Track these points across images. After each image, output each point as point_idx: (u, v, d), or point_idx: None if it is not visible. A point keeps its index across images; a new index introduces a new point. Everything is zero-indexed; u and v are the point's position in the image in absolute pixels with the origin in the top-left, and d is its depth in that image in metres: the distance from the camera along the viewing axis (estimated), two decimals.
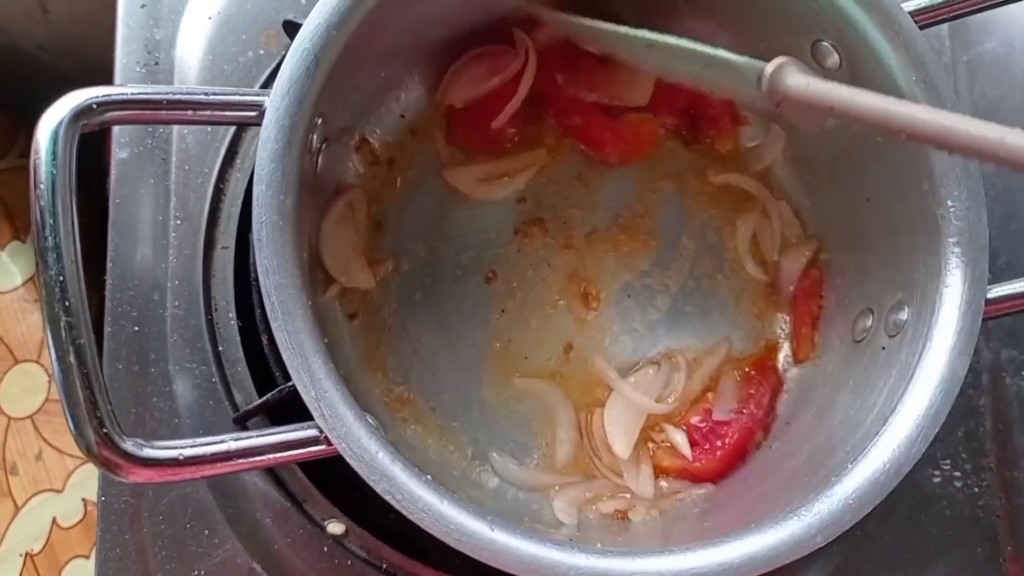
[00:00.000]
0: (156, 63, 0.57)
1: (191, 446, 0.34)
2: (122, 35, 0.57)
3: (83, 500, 0.80)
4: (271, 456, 0.36)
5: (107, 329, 0.55)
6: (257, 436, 0.36)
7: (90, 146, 0.58)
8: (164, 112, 0.36)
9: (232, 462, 0.35)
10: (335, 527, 0.54)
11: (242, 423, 0.54)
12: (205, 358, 0.55)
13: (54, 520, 0.79)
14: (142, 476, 0.33)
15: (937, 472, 0.58)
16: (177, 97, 0.36)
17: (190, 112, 0.36)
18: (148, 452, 0.33)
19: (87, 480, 0.78)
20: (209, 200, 0.56)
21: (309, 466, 0.55)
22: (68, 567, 0.78)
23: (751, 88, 0.42)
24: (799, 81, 0.40)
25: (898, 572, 0.56)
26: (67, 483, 0.80)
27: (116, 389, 0.55)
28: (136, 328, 0.55)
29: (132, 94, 0.35)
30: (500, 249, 0.55)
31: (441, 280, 0.54)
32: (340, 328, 0.52)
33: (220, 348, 0.55)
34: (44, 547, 0.77)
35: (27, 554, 0.76)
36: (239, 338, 0.55)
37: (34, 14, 0.88)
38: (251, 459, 0.35)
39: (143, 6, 0.57)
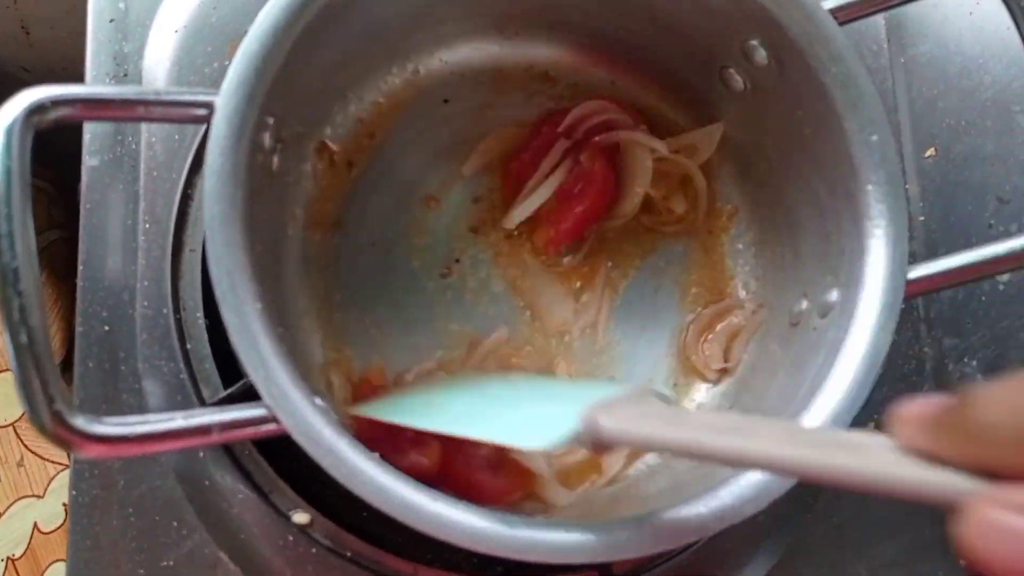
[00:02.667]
0: (125, 74, 0.60)
1: (141, 423, 0.36)
2: (92, 49, 0.60)
3: (64, 505, 0.81)
4: (221, 434, 0.38)
5: (79, 329, 0.57)
6: (207, 414, 0.38)
7: (73, 163, 0.61)
8: (115, 110, 0.38)
9: (183, 438, 0.37)
10: (300, 517, 0.56)
11: None
12: (173, 355, 0.57)
13: (35, 525, 0.81)
14: (94, 451, 0.35)
15: None
16: (127, 96, 0.38)
17: (140, 110, 0.39)
18: (98, 428, 0.35)
19: (67, 485, 0.80)
20: (177, 205, 0.58)
21: (275, 458, 0.56)
22: (49, 571, 0.79)
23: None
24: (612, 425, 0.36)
25: (847, 553, 0.58)
26: (48, 488, 0.82)
27: (88, 387, 0.57)
28: (107, 328, 0.57)
29: (84, 93, 0.37)
30: (456, 246, 0.57)
31: (399, 277, 0.56)
32: (300, 323, 0.54)
33: (188, 346, 0.57)
34: (25, 551, 0.79)
35: (9, 559, 0.78)
36: (207, 336, 0.57)
37: (17, 36, 0.91)
38: (201, 436, 0.37)
39: (111, 20, 0.60)
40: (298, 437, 0.39)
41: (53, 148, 0.71)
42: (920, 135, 0.63)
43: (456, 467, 0.50)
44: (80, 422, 0.35)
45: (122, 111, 0.39)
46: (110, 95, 0.38)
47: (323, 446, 0.39)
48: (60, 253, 0.93)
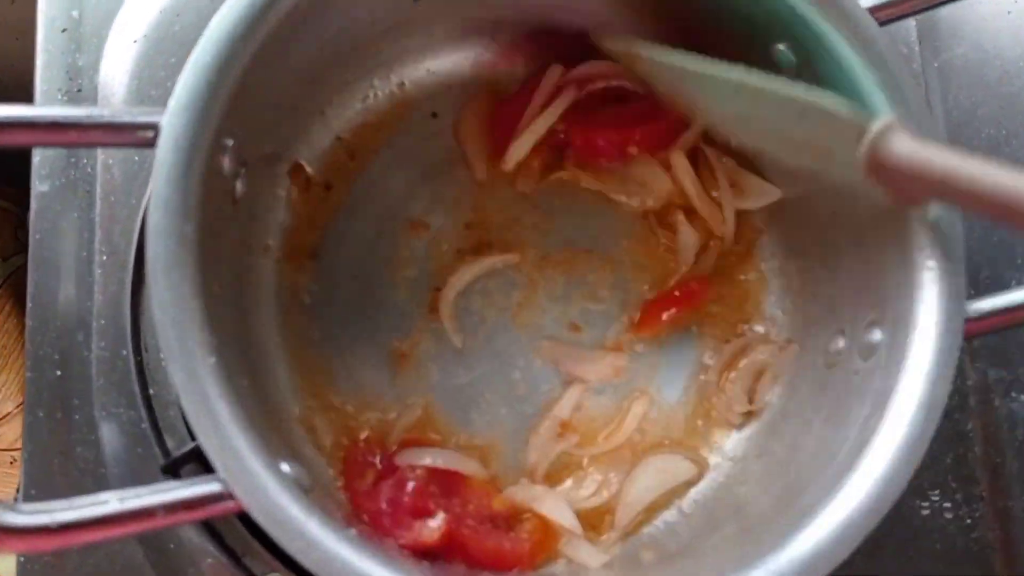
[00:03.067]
0: (79, 90, 0.54)
1: (67, 509, 0.30)
2: (42, 61, 0.54)
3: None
4: (167, 516, 0.32)
5: (27, 374, 0.52)
6: (149, 494, 0.32)
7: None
8: (41, 134, 0.32)
9: (120, 525, 0.31)
10: None
11: (173, 472, 0.50)
12: (134, 402, 0.51)
13: None
14: (8, 547, 0.29)
15: (926, 503, 0.54)
16: (54, 118, 0.32)
17: (72, 134, 0.33)
18: (12, 519, 0.29)
19: None
20: (137, 234, 0.52)
21: (248, 516, 0.50)
22: None
23: (843, 150, 0.37)
24: (907, 147, 0.35)
25: None
26: None
27: (37, 439, 0.51)
28: (59, 372, 0.52)
29: (2, 116, 0.31)
30: (446, 277, 0.51)
31: (383, 310, 0.51)
32: (273, 366, 0.48)
33: (151, 391, 0.52)
34: None
35: None
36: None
37: None
38: (142, 521, 0.31)
39: (64, 30, 0.54)
40: (259, 517, 0.33)
41: (19, 168, 0.66)
42: (956, 147, 0.56)
43: (464, 535, 0.44)
44: None
45: (50, 136, 0.33)
46: (33, 117, 0.32)
47: (289, 528, 0.33)
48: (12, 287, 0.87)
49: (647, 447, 0.50)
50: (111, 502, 0.31)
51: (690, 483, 0.49)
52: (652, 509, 0.48)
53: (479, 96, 0.53)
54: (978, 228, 0.56)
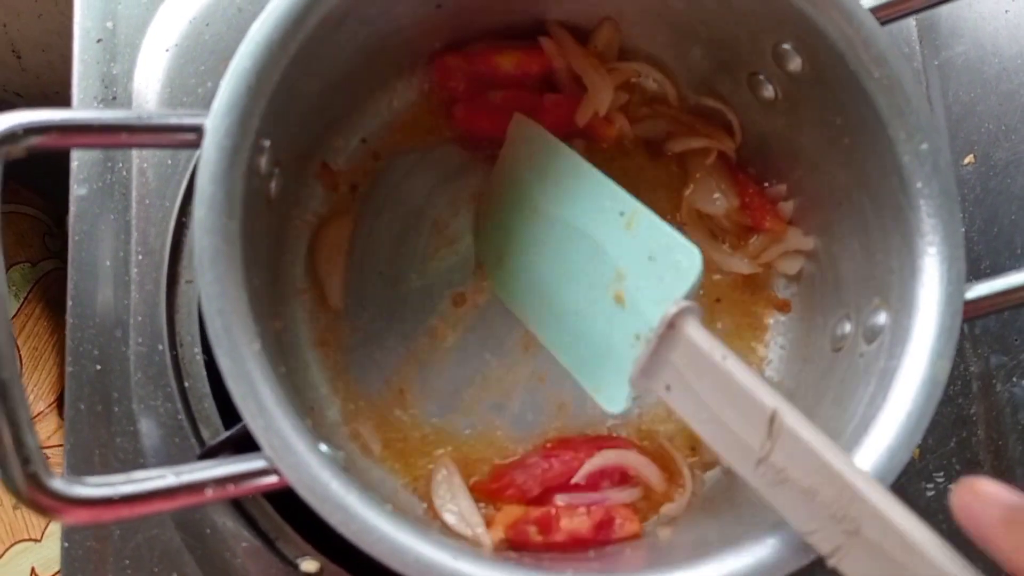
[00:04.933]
0: (114, 97, 0.57)
1: (127, 482, 0.32)
2: (78, 71, 0.57)
3: None
4: (217, 490, 0.34)
5: (68, 369, 0.54)
6: (201, 469, 0.34)
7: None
8: (95, 137, 0.35)
9: (174, 498, 0.33)
10: (309, 565, 0.52)
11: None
12: (170, 395, 0.53)
13: (33, 570, 0.77)
14: (75, 517, 0.32)
15: (931, 485, 0.55)
16: (107, 121, 0.35)
17: (123, 136, 0.35)
18: (79, 491, 0.31)
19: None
20: (171, 234, 0.55)
21: (281, 502, 0.53)
22: None
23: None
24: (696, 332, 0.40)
25: None
26: (45, 532, 0.78)
27: (79, 431, 0.53)
28: (98, 367, 0.54)
29: (59, 119, 0.34)
30: (468, 272, 0.54)
31: (408, 306, 0.53)
32: (306, 357, 0.51)
33: (186, 384, 0.54)
34: None
35: None
36: (205, 373, 0.54)
37: (8, 61, 0.88)
38: (195, 495, 0.34)
39: (99, 40, 0.57)
40: (302, 491, 0.35)
41: (47, 175, 0.68)
42: (957, 142, 0.59)
43: None
44: (58, 484, 0.31)
45: (103, 138, 0.35)
46: (88, 120, 0.34)
47: (330, 501, 0.35)
48: (57, 284, 0.90)
49: None
50: (167, 476, 0.33)
51: None
52: None
53: None
54: (979, 220, 0.58)
